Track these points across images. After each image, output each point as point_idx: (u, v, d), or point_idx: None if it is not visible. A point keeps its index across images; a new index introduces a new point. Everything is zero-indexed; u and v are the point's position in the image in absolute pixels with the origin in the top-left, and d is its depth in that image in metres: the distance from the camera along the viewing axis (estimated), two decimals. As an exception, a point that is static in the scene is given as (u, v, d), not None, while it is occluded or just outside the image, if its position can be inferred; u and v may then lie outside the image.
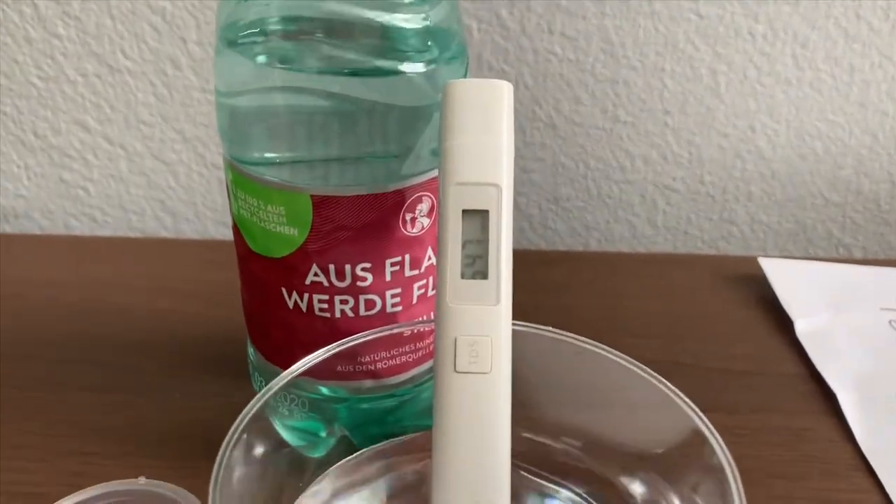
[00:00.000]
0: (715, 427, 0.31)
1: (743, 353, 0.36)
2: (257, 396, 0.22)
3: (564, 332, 0.23)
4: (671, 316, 0.39)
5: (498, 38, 0.43)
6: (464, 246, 0.21)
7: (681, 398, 0.22)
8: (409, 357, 0.27)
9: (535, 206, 0.48)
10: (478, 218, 0.21)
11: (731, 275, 0.42)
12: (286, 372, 0.23)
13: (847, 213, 0.48)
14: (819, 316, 0.38)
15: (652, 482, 0.22)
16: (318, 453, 0.27)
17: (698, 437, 0.21)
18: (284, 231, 0.24)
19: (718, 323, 0.39)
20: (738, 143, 0.46)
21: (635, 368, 0.23)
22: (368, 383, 0.26)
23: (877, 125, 0.46)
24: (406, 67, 0.23)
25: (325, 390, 0.27)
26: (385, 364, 0.26)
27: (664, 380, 0.22)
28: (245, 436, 0.21)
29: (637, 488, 0.23)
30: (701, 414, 0.21)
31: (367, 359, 0.26)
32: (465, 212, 0.21)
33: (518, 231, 0.49)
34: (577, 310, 0.40)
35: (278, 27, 0.23)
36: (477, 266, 0.21)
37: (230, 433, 0.21)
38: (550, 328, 0.23)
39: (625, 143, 0.46)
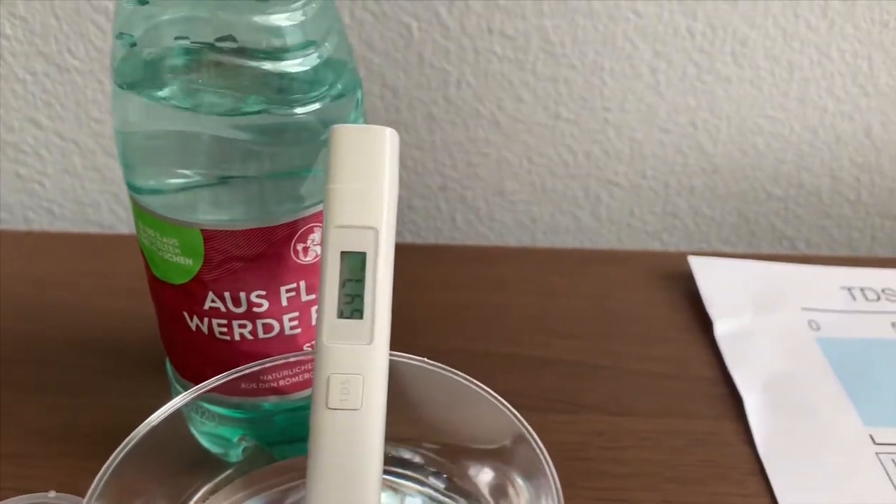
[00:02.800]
0: (619, 431, 0.33)
1: (663, 354, 0.37)
2: (155, 414, 0.24)
3: (433, 364, 0.24)
4: (600, 315, 0.40)
5: (438, 37, 0.44)
6: (343, 286, 0.22)
7: (507, 408, 0.24)
8: (311, 374, 0.28)
9: (481, 199, 0.49)
10: (357, 259, 0.22)
11: (665, 272, 0.43)
12: (180, 396, 0.25)
13: (789, 207, 0.49)
14: (741, 316, 0.39)
15: (497, 470, 0.25)
16: (233, 458, 0.29)
17: (524, 440, 0.23)
18: (180, 261, 0.25)
19: (644, 323, 0.40)
20: (680, 138, 0.47)
21: (479, 389, 0.24)
22: (273, 399, 0.28)
23: (816, 121, 0.46)
24: (296, 109, 0.24)
25: (230, 406, 0.28)
26: (288, 381, 0.27)
27: (499, 397, 0.24)
28: (145, 442, 0.23)
29: (485, 477, 0.25)
30: (524, 422, 0.23)
31: (271, 377, 0.27)
32: (343, 253, 0.22)
33: (466, 224, 0.50)
34: (511, 308, 0.41)
35: (169, 69, 0.24)
36: (354, 305, 0.22)
37: (121, 446, 0.23)
38: (424, 360, 0.24)
39: (567, 140, 0.47)
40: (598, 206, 0.49)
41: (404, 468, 0.26)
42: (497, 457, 0.24)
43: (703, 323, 0.39)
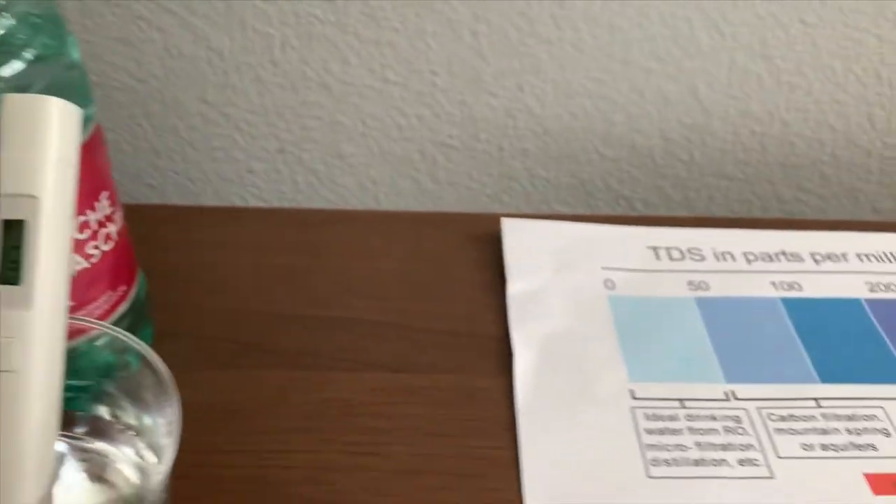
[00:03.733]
0: (395, 387, 0.34)
1: (458, 313, 0.38)
2: None
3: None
4: (409, 276, 0.41)
5: (258, 1, 0.44)
6: (6, 253, 0.23)
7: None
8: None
9: (319, 161, 0.49)
10: (18, 227, 0.23)
11: (484, 234, 0.44)
12: None
13: (624, 168, 0.49)
14: (538, 276, 0.39)
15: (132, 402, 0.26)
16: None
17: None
18: None
19: (449, 283, 0.40)
20: (508, 102, 0.47)
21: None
22: None
23: (642, 83, 0.46)
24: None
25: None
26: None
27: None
28: None
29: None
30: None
31: None
32: (5, 221, 0.23)
33: (308, 187, 0.50)
34: (326, 271, 0.41)
35: None
36: (12, 272, 0.23)
37: None
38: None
39: (397, 103, 0.47)
40: (435, 168, 0.49)
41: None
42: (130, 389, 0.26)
43: (505, 283, 0.40)
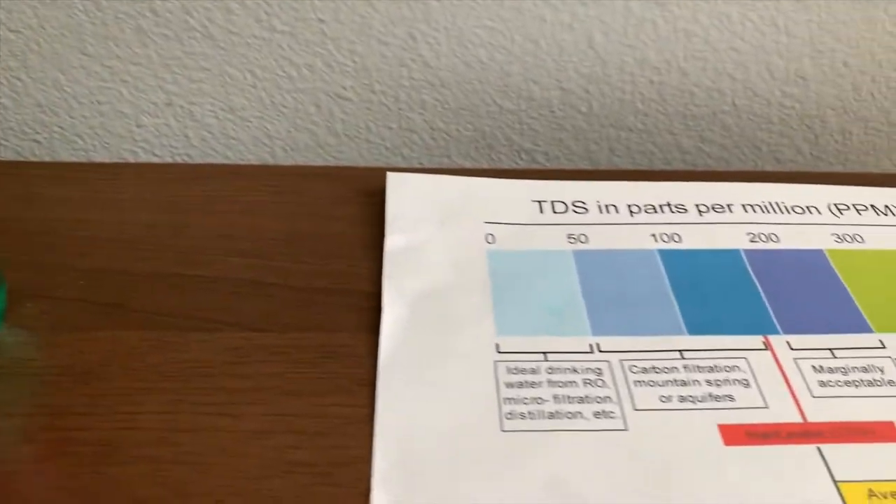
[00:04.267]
0: (255, 346, 0.33)
1: (333, 270, 0.37)
2: None
3: None
4: (288, 232, 0.40)
5: (132, -55, 0.42)
6: None
7: None
8: None
9: (210, 115, 0.48)
10: None
11: (370, 188, 0.43)
12: None
13: (523, 120, 0.49)
14: (417, 232, 0.38)
15: None
16: None
17: None
18: None
19: (329, 239, 0.39)
20: (401, 51, 0.46)
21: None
22: None
23: (537, 31, 0.45)
24: None
25: None
26: None
27: None
28: None
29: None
30: None
31: None
32: None
33: (201, 141, 0.49)
34: (201, 228, 0.40)
35: None
36: None
37: None
38: None
39: (286, 52, 0.45)
40: (332, 121, 0.48)
41: None
42: None
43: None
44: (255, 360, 0.33)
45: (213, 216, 0.40)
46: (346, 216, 0.41)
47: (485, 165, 0.50)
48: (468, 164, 0.50)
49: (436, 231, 0.39)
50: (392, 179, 0.42)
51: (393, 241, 0.38)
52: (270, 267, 0.37)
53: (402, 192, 0.41)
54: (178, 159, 0.49)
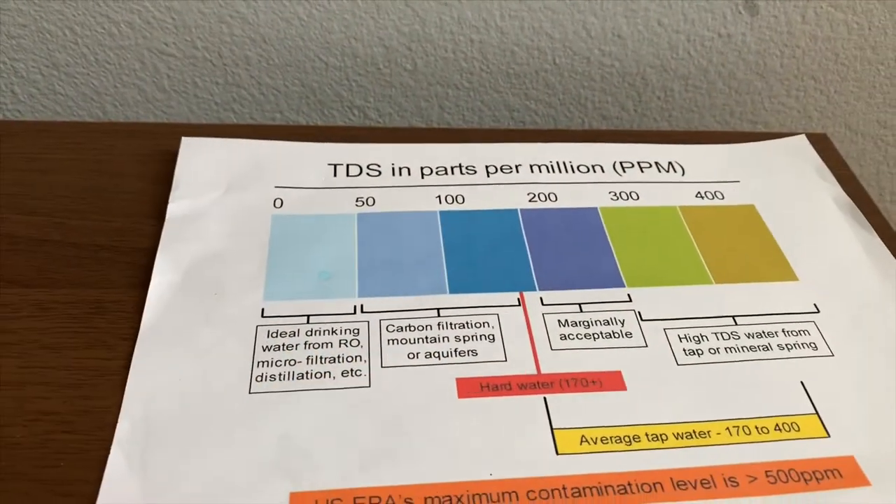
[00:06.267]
0: (22, 303, 0.34)
1: (117, 228, 0.38)
2: None
3: None
4: (75, 190, 0.40)
5: None
6: None
7: None
8: None
9: (35, 71, 0.48)
10: None
11: (174, 148, 0.42)
12: None
13: (350, 77, 0.49)
14: (205, 196, 0.39)
15: None
16: None
17: None
18: None
19: (120, 198, 0.39)
20: (219, 7, 0.46)
21: None
22: None
23: (354, -10, 0.46)
24: None
25: None
26: None
27: None
28: None
29: None
30: None
31: None
32: None
33: (28, 97, 0.49)
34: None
35: None
36: None
37: None
38: None
39: (103, 9, 0.46)
40: (159, 77, 0.49)
41: None
42: None
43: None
44: (23, 316, 0.34)
45: (7, 173, 0.41)
46: (144, 174, 0.41)
47: (317, 121, 0.51)
48: (301, 120, 0.51)
49: (221, 197, 0.39)
50: (186, 144, 0.42)
51: (176, 208, 0.38)
52: (54, 224, 0.38)
53: (194, 157, 0.41)
54: (9, 115, 0.49)
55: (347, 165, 0.41)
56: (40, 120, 0.49)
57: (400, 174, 0.41)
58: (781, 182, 0.43)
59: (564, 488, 0.29)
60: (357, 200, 0.40)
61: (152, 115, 0.50)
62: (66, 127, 0.45)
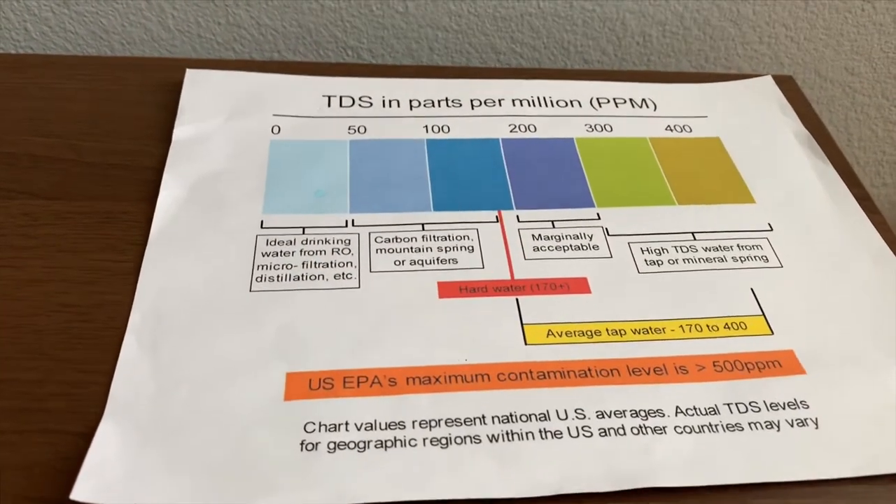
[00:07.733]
0: (45, 212, 0.37)
1: (127, 150, 0.41)
2: None
3: None
4: (88, 117, 0.43)
5: None
6: None
7: None
8: None
9: (47, 9, 0.50)
10: None
11: (178, 80, 0.45)
12: None
13: (346, 18, 0.52)
14: (208, 122, 0.42)
15: None
16: None
17: None
18: None
19: (129, 123, 0.42)
20: (220, -51, 0.48)
21: None
22: None
23: (349, -67, 0.48)
24: None
25: None
26: None
27: None
28: None
29: None
30: None
31: None
32: None
33: (41, 35, 0.51)
34: (10, 112, 0.43)
35: None
36: None
37: None
38: None
39: (111, -51, 0.48)
40: (164, 16, 0.51)
41: None
42: None
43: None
44: (43, 224, 0.37)
45: (25, 101, 0.44)
46: (151, 103, 0.44)
47: (312, 60, 0.53)
48: (297, 59, 0.53)
49: (223, 123, 0.42)
50: (190, 75, 0.45)
51: (181, 132, 0.41)
52: (69, 145, 0.41)
53: (198, 87, 0.44)
54: (21, 52, 0.52)
55: (341, 97, 0.44)
56: (52, 54, 0.51)
57: (390, 106, 0.44)
58: (746, 117, 0.46)
59: (531, 372, 0.32)
60: (349, 129, 0.43)
61: (157, 54, 0.53)
62: (77, 60, 0.48)
